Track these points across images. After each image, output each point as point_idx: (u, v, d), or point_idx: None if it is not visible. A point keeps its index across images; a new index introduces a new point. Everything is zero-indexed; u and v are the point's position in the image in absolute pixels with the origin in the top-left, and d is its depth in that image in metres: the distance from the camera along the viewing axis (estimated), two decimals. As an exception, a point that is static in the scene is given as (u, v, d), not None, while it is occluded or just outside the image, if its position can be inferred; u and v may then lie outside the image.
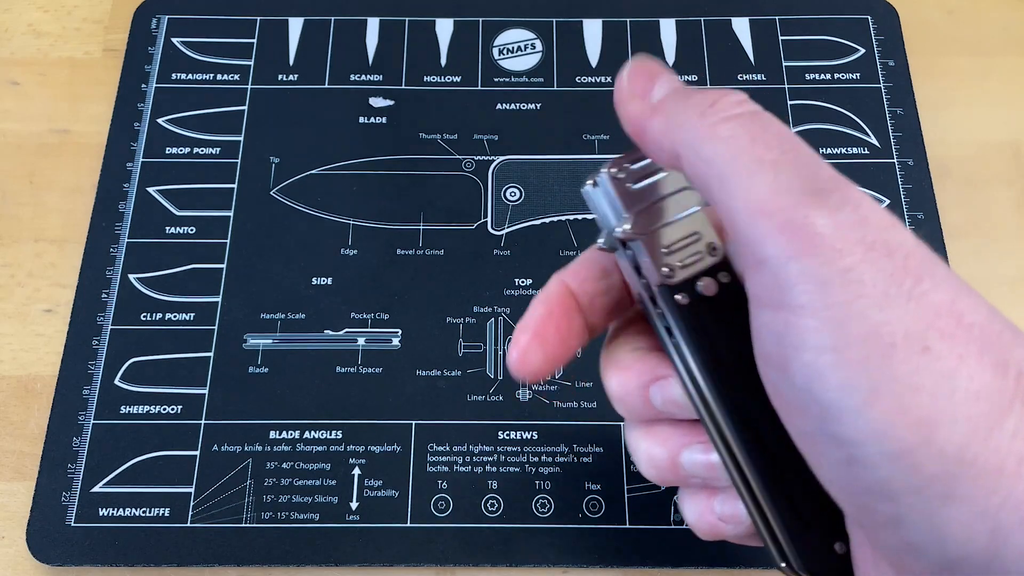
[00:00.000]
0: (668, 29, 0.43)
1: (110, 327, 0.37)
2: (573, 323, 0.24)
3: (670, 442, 0.24)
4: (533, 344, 0.24)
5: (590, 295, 0.25)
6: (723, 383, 0.22)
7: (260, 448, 0.35)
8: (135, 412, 0.35)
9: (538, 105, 0.42)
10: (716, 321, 0.23)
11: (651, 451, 0.25)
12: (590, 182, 0.23)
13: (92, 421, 0.35)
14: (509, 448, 0.35)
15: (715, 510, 0.25)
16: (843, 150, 0.40)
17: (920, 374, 0.18)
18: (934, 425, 0.18)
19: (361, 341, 0.37)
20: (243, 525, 0.33)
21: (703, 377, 0.22)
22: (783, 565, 0.22)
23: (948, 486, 0.18)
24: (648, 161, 0.23)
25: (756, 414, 0.22)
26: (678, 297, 0.23)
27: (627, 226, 0.23)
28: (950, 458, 0.18)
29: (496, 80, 0.42)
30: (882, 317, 0.18)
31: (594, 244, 0.24)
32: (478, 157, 0.40)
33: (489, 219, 0.39)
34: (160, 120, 0.41)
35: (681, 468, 0.24)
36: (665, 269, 0.23)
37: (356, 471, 0.34)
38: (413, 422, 0.35)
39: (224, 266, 0.38)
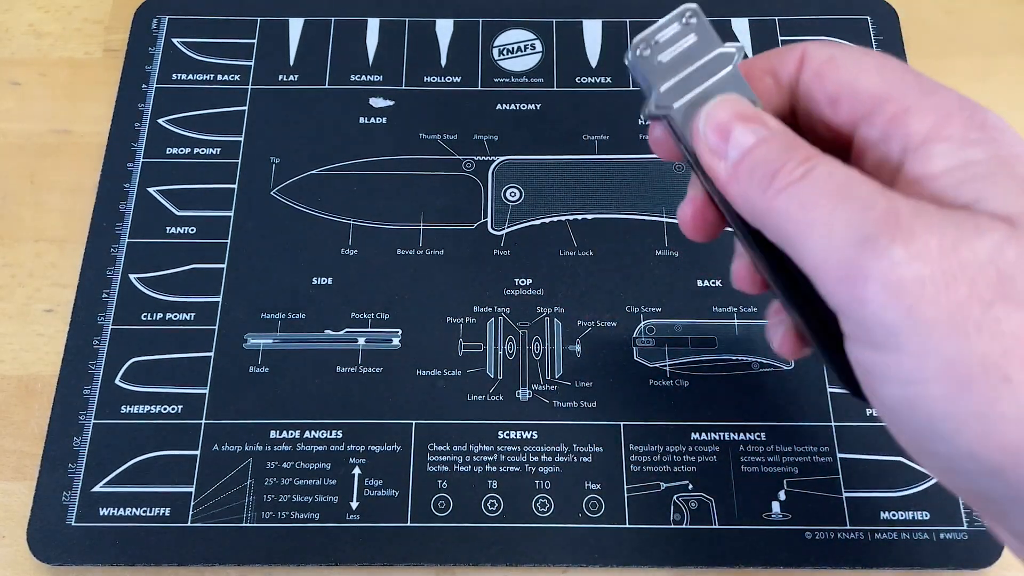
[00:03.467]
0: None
1: (110, 327, 0.37)
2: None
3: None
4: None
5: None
6: (766, 248, 0.23)
7: (260, 448, 0.35)
8: (135, 412, 0.35)
9: (538, 105, 0.42)
10: None
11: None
12: (628, 54, 0.24)
13: (92, 421, 0.35)
14: (509, 448, 0.35)
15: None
16: (843, 150, 0.40)
17: (1003, 403, 0.18)
18: (1021, 449, 0.18)
19: (361, 341, 0.37)
20: (243, 525, 0.33)
21: (748, 241, 0.24)
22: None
23: None
24: (677, 28, 0.24)
25: (800, 278, 0.23)
26: None
27: (651, 107, 0.24)
28: None
29: (496, 80, 0.42)
30: (955, 352, 0.19)
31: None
32: (478, 157, 0.40)
33: (489, 219, 0.39)
34: (160, 120, 0.41)
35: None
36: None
37: (356, 471, 0.34)
38: (413, 422, 0.35)
39: (224, 266, 0.38)
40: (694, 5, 0.24)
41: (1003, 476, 0.19)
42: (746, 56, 0.24)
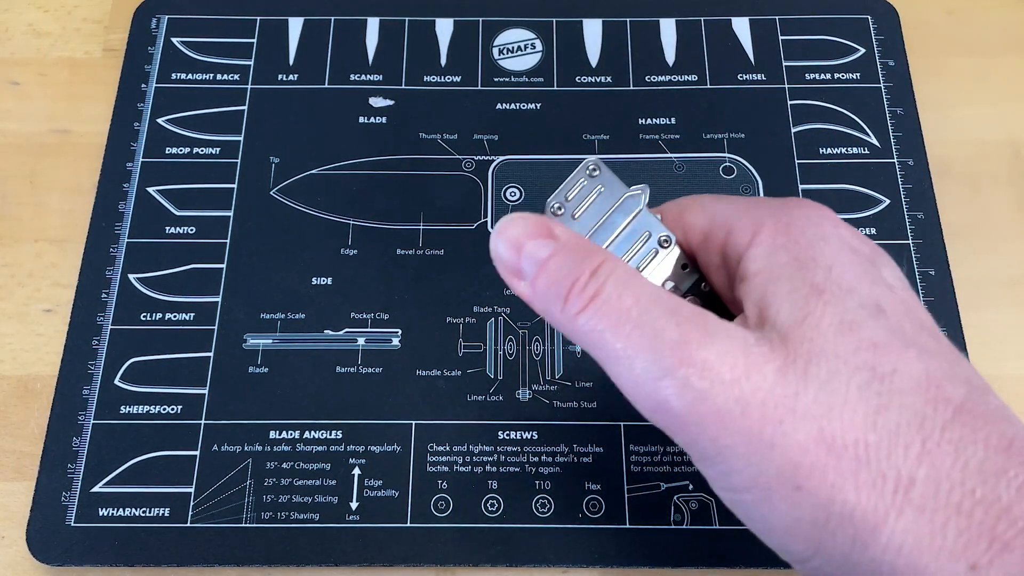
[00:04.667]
0: (668, 29, 0.43)
1: (110, 327, 0.37)
2: None
3: None
4: None
5: None
6: None
7: (260, 448, 0.35)
8: (135, 412, 0.35)
9: (538, 105, 0.42)
10: None
11: None
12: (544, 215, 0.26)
13: (92, 421, 0.35)
14: (509, 448, 0.35)
15: None
16: (843, 150, 0.40)
17: (798, 508, 0.21)
18: (818, 544, 0.21)
19: (361, 341, 0.37)
20: (243, 525, 0.33)
21: None
22: None
23: None
24: (585, 182, 0.26)
25: None
26: None
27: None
28: (838, 563, 0.21)
29: (496, 80, 0.42)
30: (755, 470, 0.21)
31: None
32: (478, 157, 0.40)
33: (489, 219, 0.39)
34: (160, 120, 0.41)
35: None
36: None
37: (356, 471, 0.34)
38: (413, 422, 0.35)
39: (224, 266, 0.38)
40: (595, 158, 0.26)
41: (812, 563, 0.21)
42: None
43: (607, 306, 0.22)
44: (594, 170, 0.26)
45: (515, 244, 0.24)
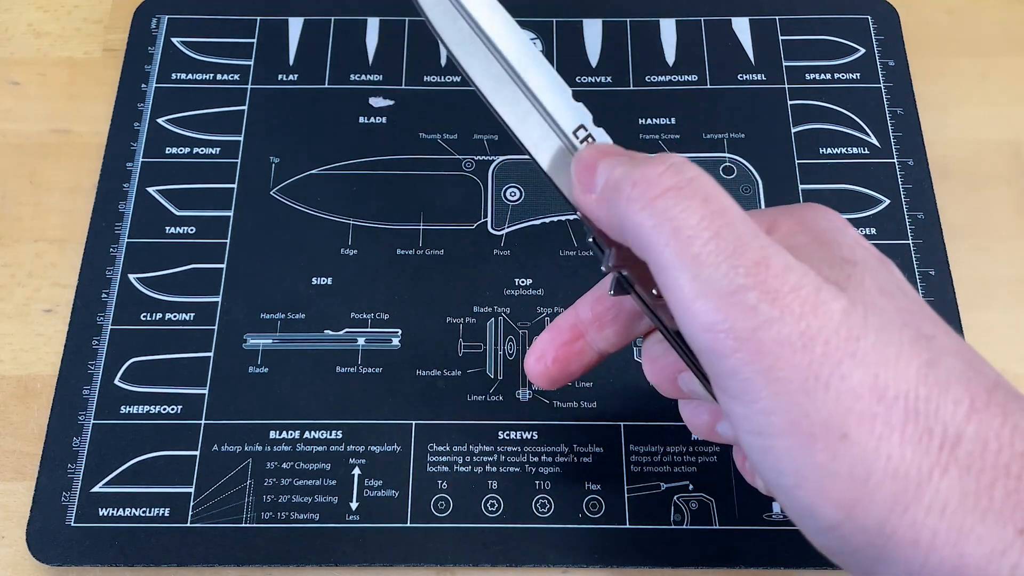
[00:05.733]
0: (668, 29, 0.43)
1: (110, 327, 0.37)
2: (574, 345, 0.28)
3: (704, 416, 0.28)
4: (538, 364, 0.28)
5: (602, 316, 0.28)
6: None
7: (260, 448, 0.35)
8: (135, 412, 0.35)
9: (538, 105, 0.42)
10: None
11: (691, 420, 0.28)
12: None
13: (92, 421, 0.35)
14: (509, 448, 0.35)
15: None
16: (843, 150, 0.40)
17: (838, 461, 0.19)
18: (853, 505, 0.19)
19: (361, 341, 0.37)
20: (243, 525, 0.33)
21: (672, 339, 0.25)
22: None
23: (875, 553, 0.19)
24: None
25: None
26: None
27: (607, 264, 0.24)
28: (872, 532, 0.19)
29: (496, 80, 0.42)
30: (801, 410, 0.20)
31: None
32: (478, 157, 0.40)
33: (489, 219, 0.39)
34: (160, 120, 0.41)
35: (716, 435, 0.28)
36: (654, 291, 0.24)
37: (356, 471, 0.34)
38: (413, 422, 0.35)
39: (224, 266, 0.38)
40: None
41: (837, 531, 0.20)
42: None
43: (696, 194, 0.21)
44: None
45: (588, 163, 0.24)
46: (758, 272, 0.20)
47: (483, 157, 0.40)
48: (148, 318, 0.37)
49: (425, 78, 0.42)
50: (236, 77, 0.42)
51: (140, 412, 0.35)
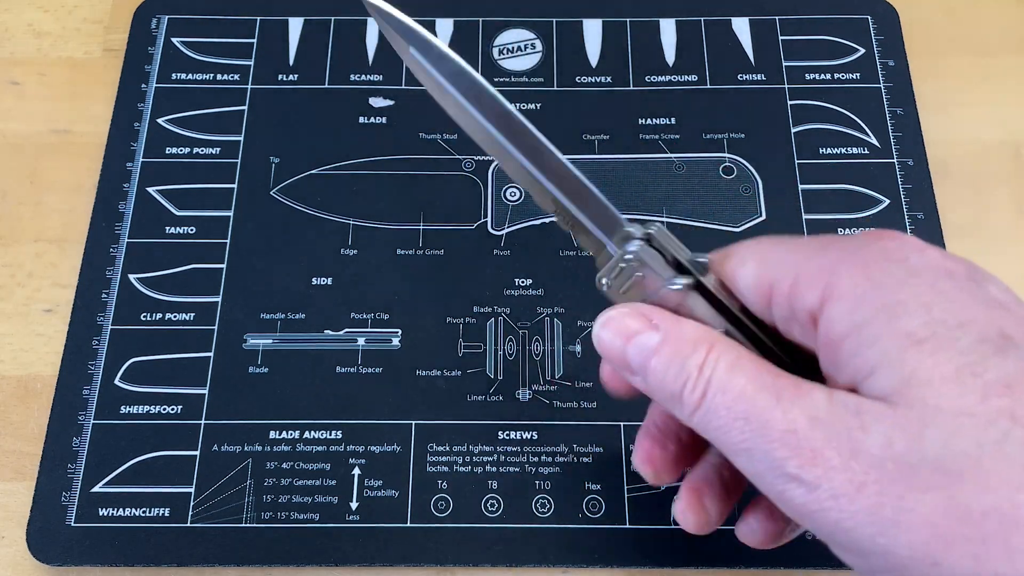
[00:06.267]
0: (668, 29, 0.43)
1: (110, 327, 0.37)
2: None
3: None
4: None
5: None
6: None
7: (260, 448, 0.35)
8: (135, 412, 0.35)
9: (538, 105, 0.42)
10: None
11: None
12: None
13: (92, 421, 0.35)
14: (509, 448, 0.35)
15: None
16: (843, 150, 0.40)
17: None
18: None
19: (361, 341, 0.37)
20: (243, 525, 0.33)
21: None
22: None
23: None
24: (622, 268, 0.25)
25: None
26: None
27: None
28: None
29: (496, 80, 0.42)
30: (884, 550, 0.19)
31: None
32: (478, 157, 0.40)
33: (489, 219, 0.39)
34: (160, 120, 0.41)
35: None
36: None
37: (356, 471, 0.34)
38: (413, 422, 0.35)
39: (224, 266, 0.38)
40: (636, 244, 0.25)
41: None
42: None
43: (716, 406, 0.22)
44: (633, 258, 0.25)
45: (620, 338, 0.24)
46: (789, 442, 0.20)
47: (483, 157, 0.40)
48: (148, 318, 0.37)
49: (425, 78, 0.42)
50: (236, 77, 0.42)
51: (140, 412, 0.35)
